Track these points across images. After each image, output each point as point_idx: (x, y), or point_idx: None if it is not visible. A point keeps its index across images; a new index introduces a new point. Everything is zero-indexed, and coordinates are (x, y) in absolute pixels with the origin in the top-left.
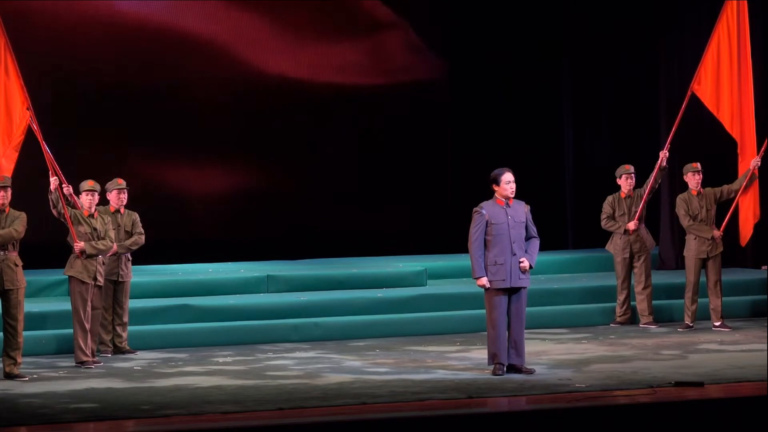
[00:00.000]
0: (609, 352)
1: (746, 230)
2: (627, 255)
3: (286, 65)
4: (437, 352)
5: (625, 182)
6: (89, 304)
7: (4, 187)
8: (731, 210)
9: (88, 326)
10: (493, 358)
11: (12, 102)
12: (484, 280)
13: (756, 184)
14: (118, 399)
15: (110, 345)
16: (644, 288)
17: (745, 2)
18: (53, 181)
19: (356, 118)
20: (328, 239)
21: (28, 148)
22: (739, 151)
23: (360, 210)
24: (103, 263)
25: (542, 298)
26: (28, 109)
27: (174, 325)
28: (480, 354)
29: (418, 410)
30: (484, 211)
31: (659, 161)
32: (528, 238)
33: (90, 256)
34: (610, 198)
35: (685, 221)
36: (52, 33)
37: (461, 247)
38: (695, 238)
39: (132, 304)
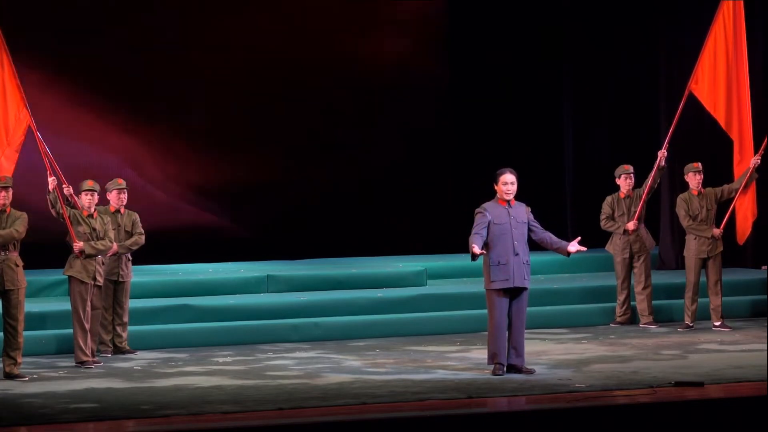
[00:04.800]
0: (609, 352)
1: (744, 229)
2: (627, 255)
3: (280, 70)
4: (437, 352)
5: (624, 182)
6: (89, 304)
7: (5, 188)
8: (730, 209)
9: (87, 326)
10: (492, 358)
11: (10, 101)
12: (477, 249)
13: (754, 183)
14: (118, 399)
15: (110, 345)
16: (644, 288)
17: (741, 2)
18: (51, 181)
19: (356, 119)
20: (328, 239)
21: (29, 148)
22: (736, 150)
23: (360, 210)
24: (103, 263)
25: (542, 298)
26: (26, 107)
27: (174, 325)
28: (480, 354)
29: (418, 410)
30: (487, 213)
31: (657, 161)
32: (536, 233)
33: (89, 256)
34: (609, 198)
35: (685, 221)
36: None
37: (461, 247)
38: (695, 238)
39: (132, 304)
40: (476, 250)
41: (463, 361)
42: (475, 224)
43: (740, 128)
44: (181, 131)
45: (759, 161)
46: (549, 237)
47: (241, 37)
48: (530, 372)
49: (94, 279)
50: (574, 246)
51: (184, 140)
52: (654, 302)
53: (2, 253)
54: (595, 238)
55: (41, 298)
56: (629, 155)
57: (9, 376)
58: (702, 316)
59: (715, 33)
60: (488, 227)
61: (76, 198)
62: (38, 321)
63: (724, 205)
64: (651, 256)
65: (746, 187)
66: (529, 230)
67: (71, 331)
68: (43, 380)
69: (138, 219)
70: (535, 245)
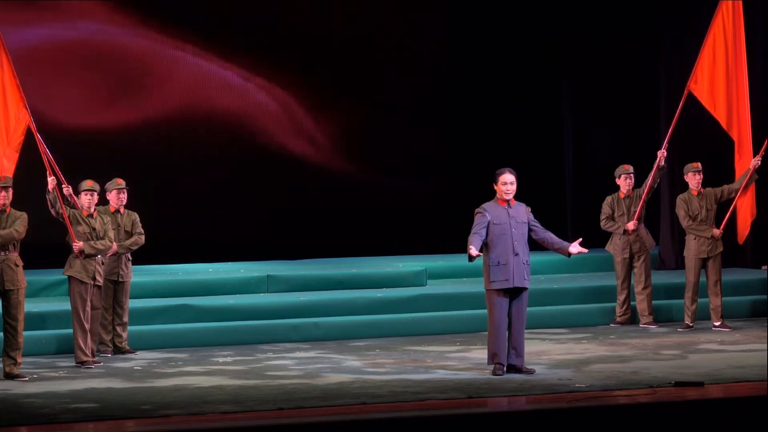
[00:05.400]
0: (609, 352)
1: (743, 229)
2: (627, 255)
3: (277, 72)
4: (437, 352)
5: (624, 182)
6: (89, 304)
7: (5, 188)
8: (731, 210)
9: (87, 326)
10: (493, 357)
11: (10, 101)
12: (474, 251)
13: (754, 184)
14: (118, 399)
15: (110, 345)
16: (644, 288)
17: (740, 2)
18: (51, 180)
19: (355, 120)
20: (328, 239)
21: (29, 148)
22: (736, 149)
23: (360, 210)
24: (102, 263)
25: (542, 298)
26: (26, 107)
27: (174, 325)
28: (480, 354)
29: (418, 410)
30: (487, 213)
31: (657, 161)
32: (537, 233)
33: (89, 256)
34: (609, 198)
35: (684, 222)
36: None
37: (461, 247)
38: (695, 238)
39: (132, 304)
40: (473, 252)
41: (463, 361)
42: (474, 224)
43: (740, 128)
44: (182, 133)
45: (759, 162)
46: (550, 237)
47: (234, 34)
48: (530, 372)
49: (94, 279)
50: (575, 247)
51: (185, 140)
52: (654, 302)
53: (2, 253)
54: (595, 238)
55: (41, 298)
56: (629, 155)
57: (9, 376)
58: (702, 316)
59: (714, 33)
60: (488, 227)
61: (75, 198)
62: (38, 321)
63: (724, 205)
64: (651, 256)
65: (746, 187)
66: (530, 230)
67: (71, 331)
68: (43, 380)
69: (138, 219)
70: (535, 245)
